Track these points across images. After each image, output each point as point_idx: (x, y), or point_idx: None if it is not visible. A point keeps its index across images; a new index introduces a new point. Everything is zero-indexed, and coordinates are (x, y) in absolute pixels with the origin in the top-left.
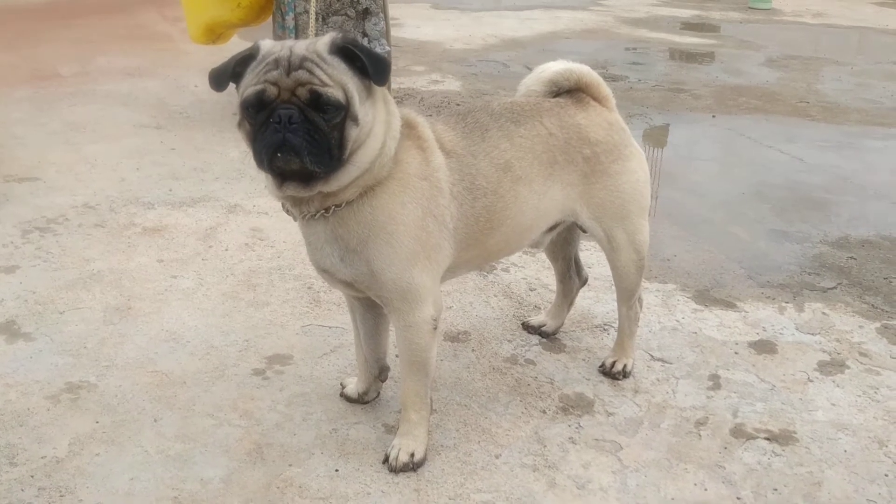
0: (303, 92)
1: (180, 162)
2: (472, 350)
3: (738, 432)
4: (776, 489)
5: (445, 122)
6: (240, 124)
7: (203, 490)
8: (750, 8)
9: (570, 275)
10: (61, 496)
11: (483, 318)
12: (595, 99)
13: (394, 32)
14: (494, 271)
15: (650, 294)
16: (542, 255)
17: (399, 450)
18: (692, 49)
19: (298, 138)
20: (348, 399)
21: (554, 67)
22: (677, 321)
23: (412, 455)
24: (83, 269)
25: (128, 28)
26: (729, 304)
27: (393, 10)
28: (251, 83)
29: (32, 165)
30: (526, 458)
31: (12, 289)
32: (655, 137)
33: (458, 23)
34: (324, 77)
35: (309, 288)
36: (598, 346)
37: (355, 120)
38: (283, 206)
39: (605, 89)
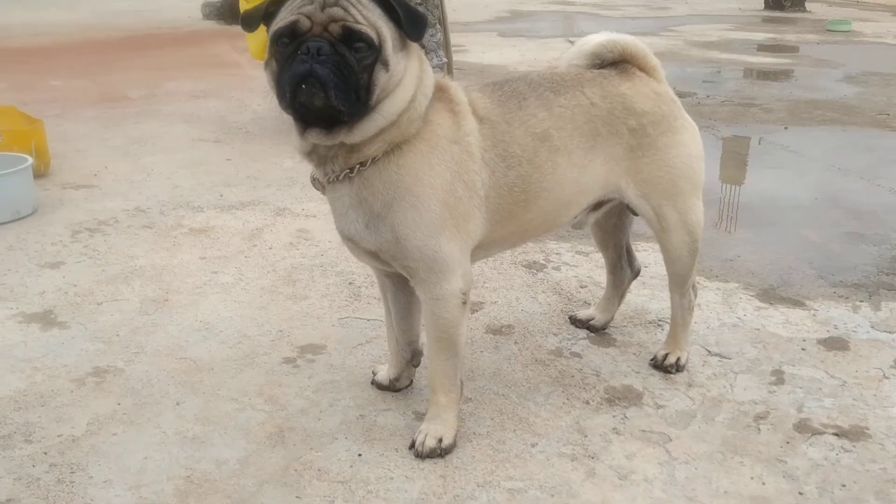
0: (335, 27)
1: (234, 171)
2: (515, 342)
3: (803, 427)
4: (844, 485)
5: (481, 91)
6: (267, 63)
7: (217, 470)
8: (828, 31)
9: (622, 264)
10: (72, 472)
11: (529, 313)
12: (642, 70)
13: (458, 58)
14: (544, 269)
15: (710, 292)
16: (597, 256)
17: (426, 434)
18: (765, 68)
19: (326, 70)
20: (379, 386)
21: (596, 39)
22: (738, 318)
23: (440, 440)
24: (126, 264)
25: (199, 57)
26: (796, 303)
27: (459, 38)
28: (284, 17)
29: (90, 174)
30: (564, 447)
31: (55, 282)
32: (721, 146)
33: (523, 48)
34: (358, 16)
35: (350, 283)
36: (651, 341)
37: (385, 65)
38: (312, 179)
39: (653, 60)
